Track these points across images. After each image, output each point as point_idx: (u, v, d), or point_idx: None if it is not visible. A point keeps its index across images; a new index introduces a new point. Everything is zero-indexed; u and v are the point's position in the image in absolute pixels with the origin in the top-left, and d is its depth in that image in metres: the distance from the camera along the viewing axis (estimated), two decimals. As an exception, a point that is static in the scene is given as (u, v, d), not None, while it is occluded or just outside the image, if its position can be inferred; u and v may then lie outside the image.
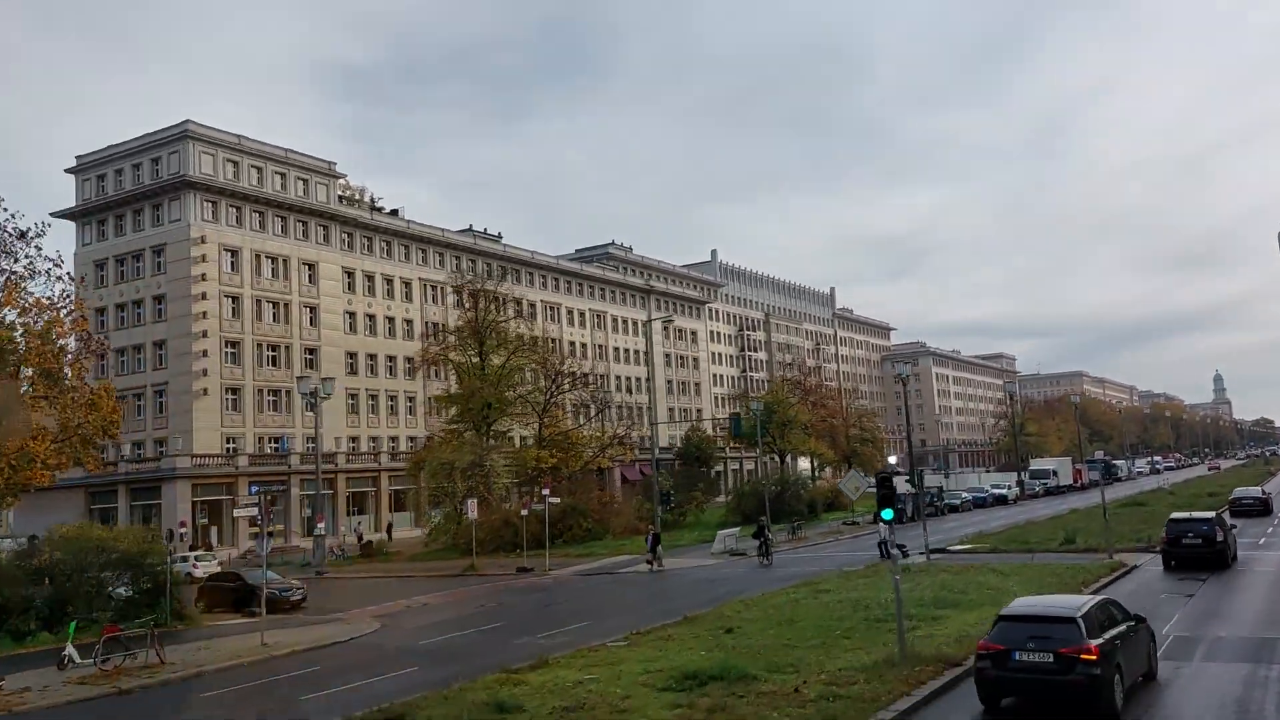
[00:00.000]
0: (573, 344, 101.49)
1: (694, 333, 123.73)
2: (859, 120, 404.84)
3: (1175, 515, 34.34)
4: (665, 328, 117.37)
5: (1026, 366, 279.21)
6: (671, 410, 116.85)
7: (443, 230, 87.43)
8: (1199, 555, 31.06)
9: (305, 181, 74.87)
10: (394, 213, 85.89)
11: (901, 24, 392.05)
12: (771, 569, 38.48)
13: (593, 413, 72.51)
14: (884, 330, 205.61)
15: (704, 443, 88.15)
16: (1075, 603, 16.24)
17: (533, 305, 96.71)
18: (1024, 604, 16.97)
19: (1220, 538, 31.31)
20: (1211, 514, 34.77)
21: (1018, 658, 14.61)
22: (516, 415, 65.30)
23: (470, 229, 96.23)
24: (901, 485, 66.00)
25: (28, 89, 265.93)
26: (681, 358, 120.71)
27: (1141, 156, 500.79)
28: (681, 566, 41.74)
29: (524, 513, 44.47)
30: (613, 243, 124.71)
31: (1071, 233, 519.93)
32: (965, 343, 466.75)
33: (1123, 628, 15.63)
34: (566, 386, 66.07)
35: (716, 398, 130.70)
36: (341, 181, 79.99)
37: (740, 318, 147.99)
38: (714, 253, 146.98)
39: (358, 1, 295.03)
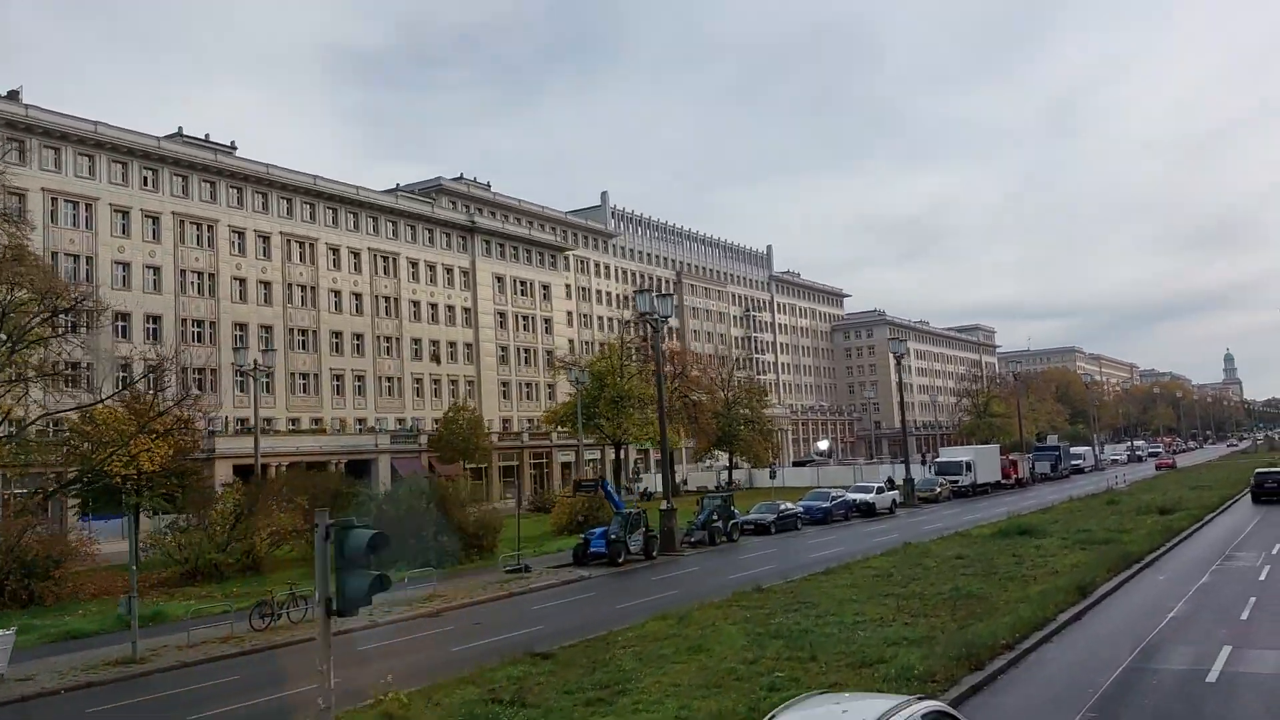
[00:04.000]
0: (336, 293, 75.91)
1: (546, 287, 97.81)
2: (872, 103, 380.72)
3: None
4: (499, 280, 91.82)
5: (1022, 344, 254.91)
6: (506, 385, 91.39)
7: (96, 125, 61.76)
8: None
9: None
10: (11, 95, 60.13)
11: (913, 4, 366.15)
12: None
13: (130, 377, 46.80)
14: (836, 297, 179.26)
15: (471, 426, 62.38)
16: None
17: (265, 236, 71.14)
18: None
19: None
20: None
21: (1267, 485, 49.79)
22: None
23: (179, 133, 70.64)
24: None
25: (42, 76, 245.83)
26: (526, 319, 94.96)
27: (1157, 136, 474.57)
28: None
29: None
30: (460, 176, 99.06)
31: (1086, 214, 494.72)
32: (977, 324, 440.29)
33: None
34: (57, 328, 39.64)
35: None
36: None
37: (642, 276, 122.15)
38: (604, 195, 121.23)
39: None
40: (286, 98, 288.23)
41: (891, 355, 65.38)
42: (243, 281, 69.42)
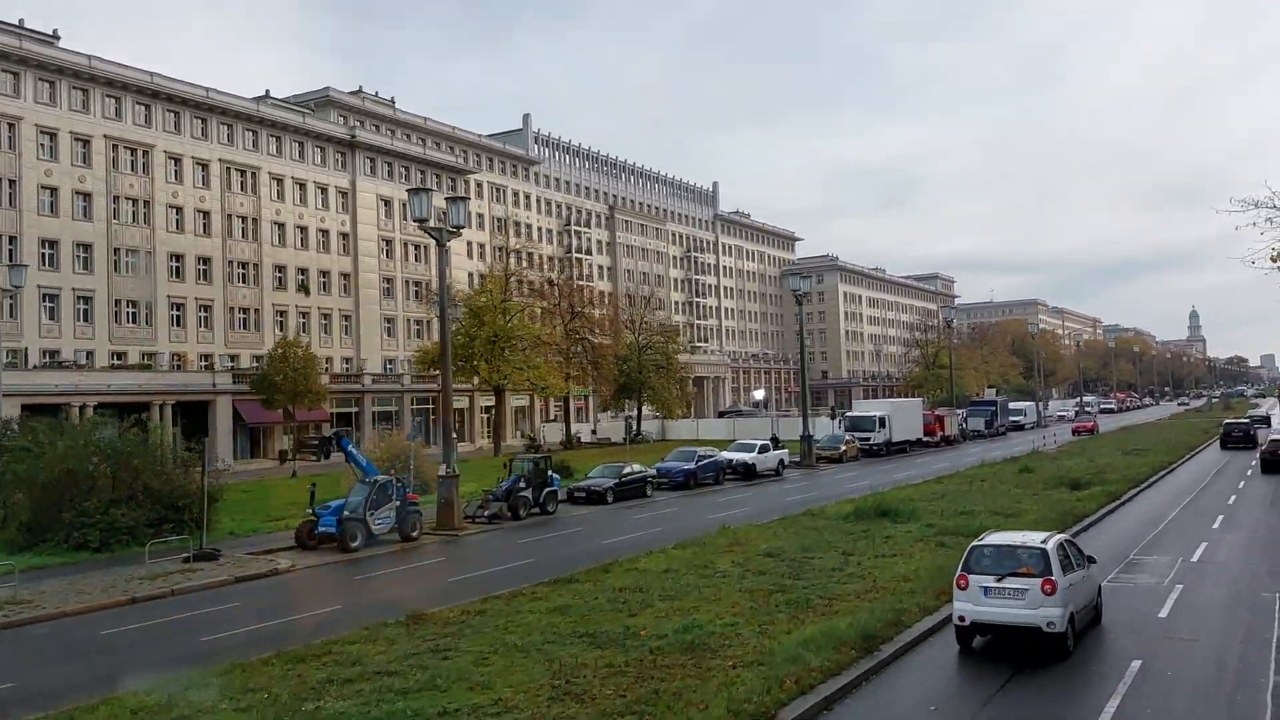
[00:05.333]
0: (177, 209, 66.21)
1: (444, 215, 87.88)
2: (850, 50, 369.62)
3: None
4: (385, 204, 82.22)
5: (987, 297, 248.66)
6: (390, 322, 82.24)
7: None
8: None
9: None
10: None
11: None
12: None
13: None
14: (787, 240, 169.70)
15: (301, 364, 53.31)
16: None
17: (85, 140, 61.27)
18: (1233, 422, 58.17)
19: None
20: None
21: (1234, 434, 56.60)
22: None
23: (-19, 17, 60.26)
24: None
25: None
26: (417, 247, 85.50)
27: (1132, 92, 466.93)
28: None
29: None
30: (359, 89, 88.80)
31: (1060, 169, 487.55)
32: (935, 273, 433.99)
33: None
34: None
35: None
36: None
37: (570, 209, 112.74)
38: (526, 118, 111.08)
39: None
40: (254, 29, 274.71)
41: (793, 295, 56.70)
42: (53, 191, 59.62)
